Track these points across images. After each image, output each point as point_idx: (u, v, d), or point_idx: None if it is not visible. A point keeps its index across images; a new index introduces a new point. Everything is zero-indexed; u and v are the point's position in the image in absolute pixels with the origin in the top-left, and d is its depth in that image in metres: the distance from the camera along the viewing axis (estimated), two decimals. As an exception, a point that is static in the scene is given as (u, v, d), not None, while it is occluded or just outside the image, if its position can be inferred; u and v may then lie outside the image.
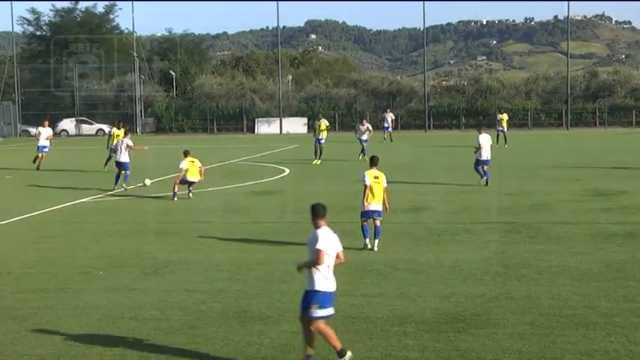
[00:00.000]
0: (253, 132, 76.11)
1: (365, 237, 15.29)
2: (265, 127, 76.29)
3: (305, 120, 75.93)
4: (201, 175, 24.06)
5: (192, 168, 23.83)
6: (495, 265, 13.75)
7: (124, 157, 26.78)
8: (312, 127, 56.42)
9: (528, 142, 48.73)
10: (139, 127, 76.16)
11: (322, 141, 37.18)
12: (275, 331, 10.09)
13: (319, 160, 36.29)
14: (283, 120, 75.84)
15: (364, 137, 38.20)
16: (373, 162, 15.50)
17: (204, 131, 76.51)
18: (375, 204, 15.17)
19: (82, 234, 18.06)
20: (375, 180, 15.16)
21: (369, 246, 15.20)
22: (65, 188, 27.25)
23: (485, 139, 26.33)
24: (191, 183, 23.96)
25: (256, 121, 76.81)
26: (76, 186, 27.70)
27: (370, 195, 15.13)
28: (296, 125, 75.48)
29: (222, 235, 17.48)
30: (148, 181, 25.84)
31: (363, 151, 37.32)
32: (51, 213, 21.61)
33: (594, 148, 44.86)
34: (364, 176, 15.23)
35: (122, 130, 29.77)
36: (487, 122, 73.03)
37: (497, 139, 45.43)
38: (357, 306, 11.20)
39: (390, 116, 55.69)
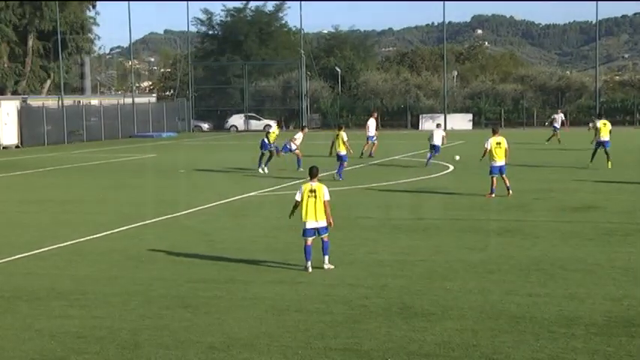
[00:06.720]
0: (417, 128, 75.88)
1: (307, 259, 13.30)
2: (429, 124, 75.73)
3: (470, 116, 75.02)
4: (505, 156, 22.61)
5: (498, 150, 22.42)
6: (671, 268, 13.09)
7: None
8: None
9: None
10: (304, 123, 77.41)
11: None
12: (438, 328, 10.03)
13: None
14: (448, 116, 75.15)
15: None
16: (313, 173, 13.65)
17: (369, 127, 76.83)
18: (312, 221, 13.29)
19: (250, 227, 18.61)
20: (312, 194, 13.28)
21: (310, 269, 13.25)
22: (234, 182, 28.18)
23: None
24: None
25: (420, 117, 76.49)
26: (244, 180, 28.60)
27: (309, 211, 13.28)
28: (461, 121, 74.65)
29: (385, 230, 17.55)
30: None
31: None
32: (221, 206, 22.37)
33: None
34: (299, 190, 13.44)
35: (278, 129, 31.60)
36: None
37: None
38: (522, 306, 10.96)
39: (560, 116, 52.45)
